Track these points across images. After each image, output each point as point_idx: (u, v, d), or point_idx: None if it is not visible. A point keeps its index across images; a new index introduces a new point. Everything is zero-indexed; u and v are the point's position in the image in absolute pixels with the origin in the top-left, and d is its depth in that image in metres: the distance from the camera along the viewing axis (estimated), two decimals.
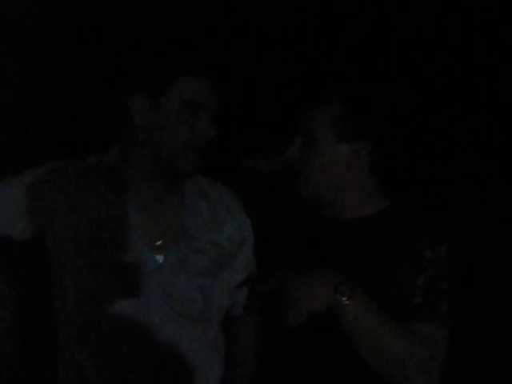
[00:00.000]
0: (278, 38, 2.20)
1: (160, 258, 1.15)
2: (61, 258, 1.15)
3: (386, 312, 1.05)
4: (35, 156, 1.28)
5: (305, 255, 1.21)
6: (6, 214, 1.14)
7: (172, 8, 2.06)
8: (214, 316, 1.23)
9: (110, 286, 1.12)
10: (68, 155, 1.24)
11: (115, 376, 1.11)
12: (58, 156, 1.23)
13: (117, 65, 1.78)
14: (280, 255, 1.25)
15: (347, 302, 1.01)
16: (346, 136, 1.12)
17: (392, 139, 1.16)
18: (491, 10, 2.22)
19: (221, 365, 1.24)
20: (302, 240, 1.23)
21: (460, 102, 2.39)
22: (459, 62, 2.35)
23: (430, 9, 2.25)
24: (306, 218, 1.26)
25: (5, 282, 1.23)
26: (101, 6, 1.96)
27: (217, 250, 1.23)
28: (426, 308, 1.07)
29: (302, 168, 1.17)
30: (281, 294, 1.07)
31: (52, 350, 1.19)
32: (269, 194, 1.88)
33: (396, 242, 1.11)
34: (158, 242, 1.16)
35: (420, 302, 1.07)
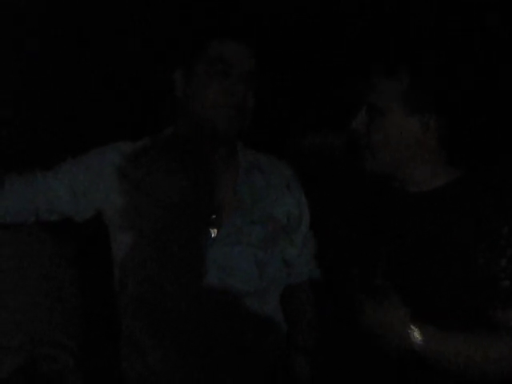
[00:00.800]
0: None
1: (214, 232, 1.15)
2: (120, 238, 1.18)
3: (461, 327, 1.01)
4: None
5: (371, 231, 1.17)
6: (67, 194, 1.18)
7: None
8: (270, 289, 1.22)
9: (169, 264, 1.13)
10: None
11: (173, 352, 1.13)
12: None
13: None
14: (344, 233, 1.23)
15: (421, 342, 0.99)
16: (415, 109, 1.07)
17: (462, 111, 1.10)
18: None
19: (279, 338, 1.24)
20: (368, 216, 1.20)
21: None
22: None
23: None
24: (371, 193, 1.22)
25: (67, 265, 1.30)
26: None
27: (273, 223, 1.22)
28: None
29: (368, 142, 1.12)
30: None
31: (114, 331, 1.23)
32: (327, 172, 1.84)
33: (469, 219, 1.04)
34: (214, 216, 1.17)
35: (508, 285, 1.00)
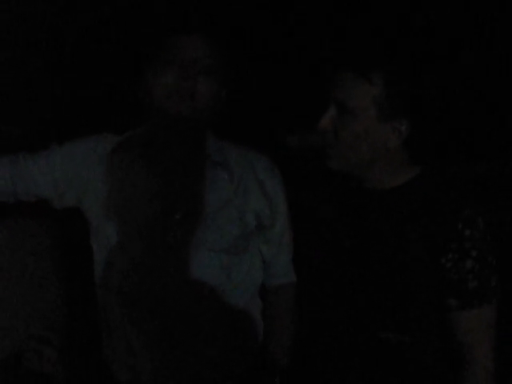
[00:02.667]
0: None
1: (179, 233, 1.14)
2: (95, 229, 1.20)
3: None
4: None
5: (336, 228, 1.19)
6: (46, 180, 1.19)
7: None
8: (241, 290, 1.21)
9: (144, 259, 1.14)
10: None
11: (153, 343, 1.15)
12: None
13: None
14: (312, 229, 1.24)
15: None
16: (388, 116, 1.06)
17: (431, 115, 1.11)
18: None
19: (250, 337, 1.24)
20: (332, 213, 1.21)
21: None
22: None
23: None
24: (337, 192, 1.23)
25: (49, 258, 1.30)
26: None
27: (240, 228, 1.19)
28: (483, 291, 1.04)
29: (335, 141, 1.10)
30: None
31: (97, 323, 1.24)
32: (300, 170, 1.85)
33: (428, 220, 1.06)
34: (177, 216, 1.15)
35: (475, 286, 1.04)
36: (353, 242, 1.14)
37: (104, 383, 1.21)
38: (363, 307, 1.11)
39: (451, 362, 1.10)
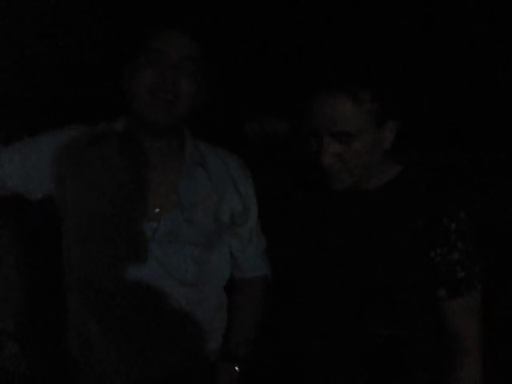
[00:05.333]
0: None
1: (154, 227, 1.15)
2: (67, 221, 1.18)
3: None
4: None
5: (321, 229, 1.20)
6: (17, 173, 1.16)
7: None
8: (211, 284, 1.24)
9: (110, 250, 1.14)
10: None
11: (114, 333, 1.15)
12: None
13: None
14: (287, 226, 1.25)
15: None
16: (382, 122, 1.09)
17: (416, 111, 1.15)
18: None
19: (217, 329, 1.26)
20: (309, 211, 1.23)
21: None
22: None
23: None
24: (316, 190, 1.24)
25: (11, 250, 1.26)
26: None
27: (215, 223, 1.22)
28: (469, 279, 1.10)
29: (345, 166, 1.10)
30: None
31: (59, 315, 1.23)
32: (273, 159, 1.86)
33: (415, 216, 1.11)
34: (156, 210, 1.17)
35: (463, 276, 1.10)
36: (341, 241, 1.16)
37: (66, 375, 1.20)
38: (356, 304, 1.13)
39: (443, 353, 1.15)
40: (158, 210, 1.17)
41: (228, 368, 1.23)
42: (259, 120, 2.16)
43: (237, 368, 1.23)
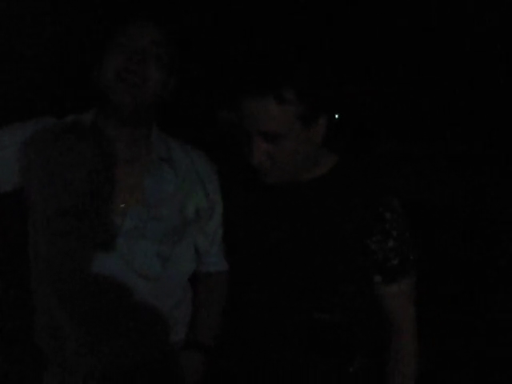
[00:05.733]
0: None
1: (120, 222, 1.16)
2: (34, 214, 1.18)
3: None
4: None
5: (261, 219, 1.23)
6: None
7: None
8: (175, 278, 1.26)
9: (76, 244, 1.15)
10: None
11: (78, 320, 1.17)
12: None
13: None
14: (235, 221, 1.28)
15: None
16: (310, 118, 1.10)
17: (344, 105, 1.17)
18: None
19: (185, 316, 1.30)
20: (252, 206, 1.25)
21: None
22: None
23: None
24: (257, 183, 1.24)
25: None
26: None
27: (180, 220, 1.23)
28: (404, 266, 1.16)
29: (271, 164, 1.13)
30: None
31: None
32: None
33: (352, 206, 1.15)
34: (122, 205, 1.17)
35: (397, 262, 1.15)
36: (281, 232, 1.20)
37: (34, 367, 1.22)
38: (296, 290, 1.18)
39: (382, 337, 1.22)
40: (123, 205, 1.17)
41: (193, 356, 1.27)
42: (229, 108, 2.15)
43: (201, 355, 1.27)
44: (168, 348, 1.26)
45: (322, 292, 1.17)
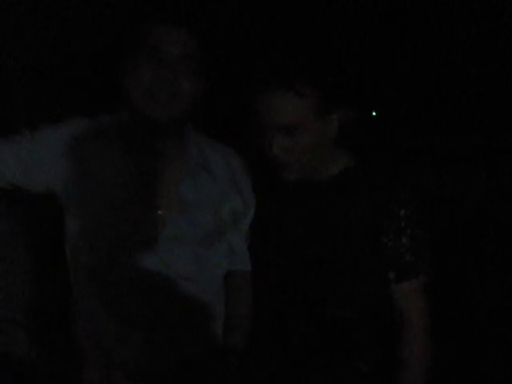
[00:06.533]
0: None
1: (158, 228, 1.18)
2: (71, 218, 1.20)
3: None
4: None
5: (280, 219, 1.27)
6: (17, 166, 1.17)
7: None
8: (210, 277, 1.28)
9: (115, 250, 1.17)
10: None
11: (120, 325, 1.20)
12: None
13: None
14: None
15: None
16: (325, 111, 1.15)
17: (358, 102, 1.20)
18: None
19: (215, 323, 1.31)
20: (269, 201, 1.30)
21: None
22: None
23: None
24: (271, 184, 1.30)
25: (17, 240, 1.31)
26: None
27: (217, 222, 1.25)
28: (417, 263, 1.19)
29: (290, 157, 1.17)
30: None
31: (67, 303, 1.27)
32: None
33: (368, 204, 1.19)
34: (160, 212, 1.19)
35: (412, 260, 1.18)
36: (298, 229, 1.24)
37: (74, 364, 1.25)
38: (312, 286, 1.22)
39: (394, 331, 1.24)
40: (160, 212, 1.19)
41: (227, 362, 1.28)
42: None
43: (234, 359, 1.29)
44: (208, 344, 1.28)
45: (336, 288, 1.21)
